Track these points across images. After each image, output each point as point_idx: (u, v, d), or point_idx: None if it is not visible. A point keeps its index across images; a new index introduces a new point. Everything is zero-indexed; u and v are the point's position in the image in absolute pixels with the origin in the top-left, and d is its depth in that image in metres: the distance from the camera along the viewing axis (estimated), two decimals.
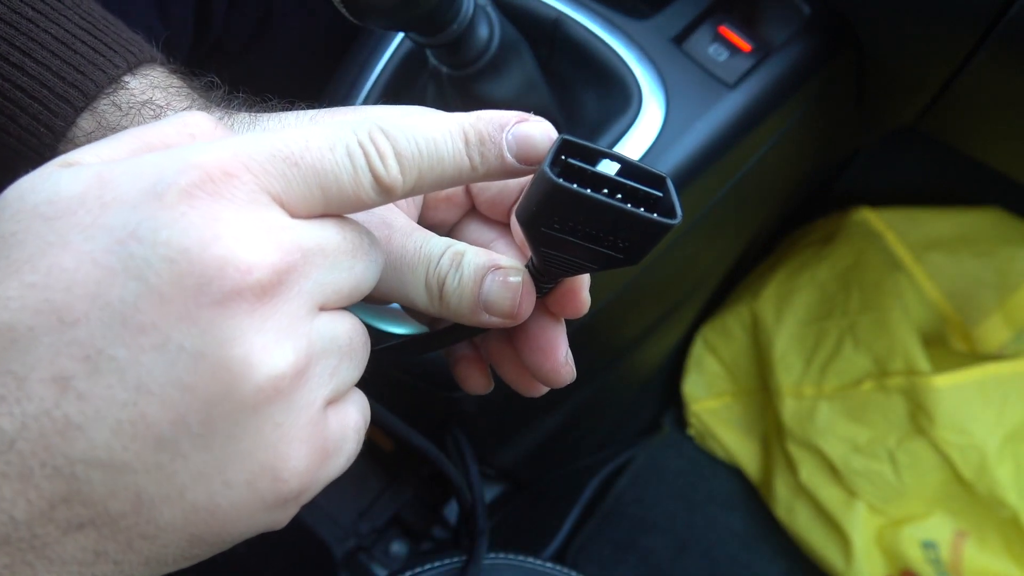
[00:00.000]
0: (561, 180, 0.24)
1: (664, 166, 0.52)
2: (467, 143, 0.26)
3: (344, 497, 0.93)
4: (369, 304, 0.30)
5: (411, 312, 0.34)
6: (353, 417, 0.27)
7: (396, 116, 0.26)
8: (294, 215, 0.24)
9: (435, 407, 0.67)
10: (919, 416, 0.90)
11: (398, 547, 0.93)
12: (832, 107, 0.67)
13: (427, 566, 0.54)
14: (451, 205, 0.35)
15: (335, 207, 0.25)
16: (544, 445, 0.88)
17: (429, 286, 0.30)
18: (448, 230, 0.36)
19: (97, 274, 0.21)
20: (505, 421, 0.79)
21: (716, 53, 0.55)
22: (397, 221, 0.31)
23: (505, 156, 0.27)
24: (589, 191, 0.25)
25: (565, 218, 0.26)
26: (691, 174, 0.54)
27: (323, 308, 0.25)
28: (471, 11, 0.44)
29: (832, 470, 0.95)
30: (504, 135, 0.27)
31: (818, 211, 1.09)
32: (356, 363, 0.26)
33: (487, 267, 0.29)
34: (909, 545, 0.93)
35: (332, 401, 0.25)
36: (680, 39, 0.56)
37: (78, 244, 0.21)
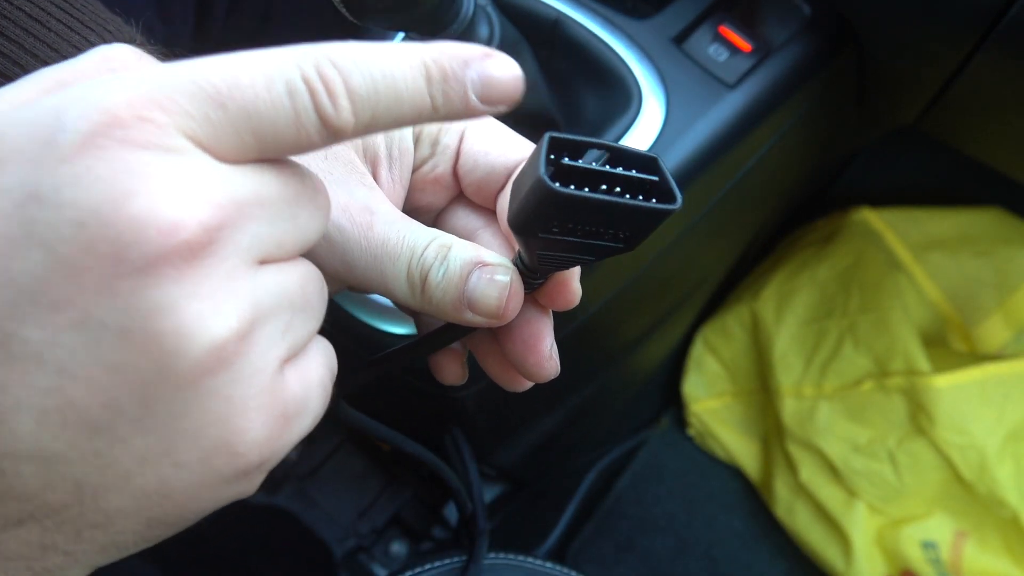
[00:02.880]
0: (559, 187, 0.23)
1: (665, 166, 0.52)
2: (429, 79, 0.23)
3: (344, 497, 0.93)
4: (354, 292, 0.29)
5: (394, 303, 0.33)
6: (316, 372, 0.24)
7: (346, 46, 0.22)
8: (223, 161, 0.21)
9: (434, 407, 0.67)
10: (919, 416, 0.90)
11: (398, 547, 0.93)
12: (832, 107, 0.67)
13: (427, 566, 0.54)
14: (439, 187, 0.33)
15: (272, 152, 0.21)
16: (544, 445, 0.88)
17: (411, 279, 0.28)
18: (435, 215, 0.35)
19: None
20: (504, 421, 0.79)
21: (716, 53, 0.55)
22: (380, 207, 0.29)
23: (470, 97, 0.24)
24: (590, 193, 0.24)
25: (565, 221, 0.25)
26: (691, 174, 0.54)
27: (265, 263, 0.22)
28: (471, 11, 0.44)
29: (832, 470, 0.95)
30: (468, 73, 0.24)
31: (818, 211, 1.09)
32: (312, 314, 0.24)
33: (473, 262, 0.28)
34: (909, 545, 0.93)
35: (290, 359, 0.23)
36: (680, 39, 0.56)
37: None
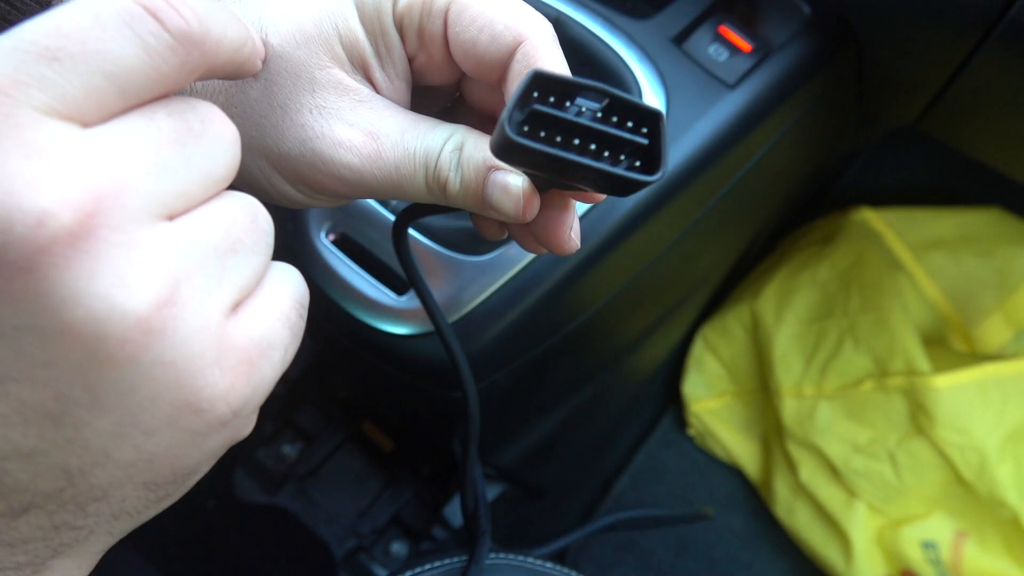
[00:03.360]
0: (516, 136, 0.22)
1: None
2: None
3: (344, 497, 0.93)
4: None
5: None
6: (276, 306, 0.23)
7: None
8: (87, 123, 0.19)
9: (435, 406, 0.67)
10: (919, 416, 0.90)
11: (398, 547, 0.93)
12: (832, 107, 0.67)
13: (427, 566, 0.54)
14: (444, 70, 0.31)
15: (136, 95, 0.20)
16: (544, 445, 0.88)
17: (432, 190, 0.28)
18: (457, 85, 0.33)
19: None
20: (505, 421, 0.79)
21: (716, 53, 0.55)
22: (382, 126, 0.28)
23: None
24: (550, 148, 0.22)
25: (536, 166, 0.24)
26: (691, 174, 0.54)
27: (174, 217, 0.20)
28: None
29: (832, 470, 0.95)
30: None
31: (818, 211, 1.09)
32: (250, 250, 0.22)
33: (486, 166, 0.27)
34: (909, 545, 0.93)
35: (240, 302, 0.22)
36: (680, 39, 0.56)
37: None
